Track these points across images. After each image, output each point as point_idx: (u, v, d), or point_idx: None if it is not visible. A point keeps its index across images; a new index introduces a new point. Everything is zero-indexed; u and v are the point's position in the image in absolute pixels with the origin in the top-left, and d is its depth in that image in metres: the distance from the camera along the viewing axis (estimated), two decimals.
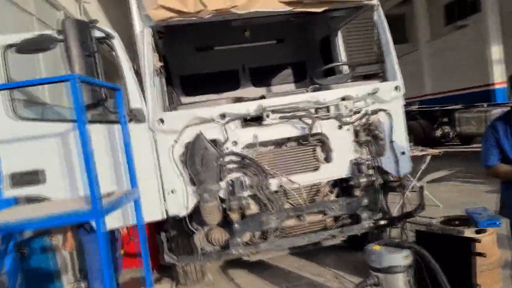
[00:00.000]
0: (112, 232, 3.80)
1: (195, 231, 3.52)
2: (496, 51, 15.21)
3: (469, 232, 3.41)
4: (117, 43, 3.34)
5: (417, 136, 11.40)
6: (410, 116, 12.20)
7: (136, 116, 3.32)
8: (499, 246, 3.53)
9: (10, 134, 3.12)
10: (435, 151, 6.40)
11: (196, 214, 3.45)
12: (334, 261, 4.62)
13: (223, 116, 3.36)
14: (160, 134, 3.32)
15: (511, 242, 2.98)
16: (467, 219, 3.73)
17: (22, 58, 3.47)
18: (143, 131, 3.32)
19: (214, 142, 3.35)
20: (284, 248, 3.63)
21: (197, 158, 3.27)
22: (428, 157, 6.36)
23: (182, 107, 3.51)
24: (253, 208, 3.49)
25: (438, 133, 11.70)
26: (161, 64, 3.61)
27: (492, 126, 2.83)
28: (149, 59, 3.41)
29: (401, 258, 2.82)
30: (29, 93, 4.05)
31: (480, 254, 3.13)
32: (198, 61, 5.57)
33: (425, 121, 11.77)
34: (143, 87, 3.36)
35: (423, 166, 6.34)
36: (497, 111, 9.13)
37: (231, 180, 3.36)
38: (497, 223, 3.39)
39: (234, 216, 3.41)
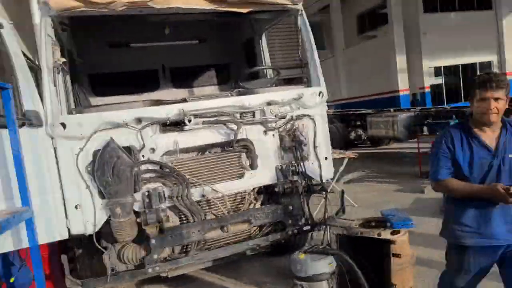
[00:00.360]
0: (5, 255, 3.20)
1: (104, 250, 3.11)
2: (401, 61, 16.75)
3: (385, 234, 3.55)
4: (6, 33, 2.81)
5: (334, 139, 11.96)
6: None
7: (31, 120, 2.82)
8: (412, 244, 3.74)
9: None
10: (352, 154, 6.70)
11: (106, 230, 3.06)
12: (258, 269, 4.51)
13: (138, 120, 3.03)
14: (62, 141, 2.87)
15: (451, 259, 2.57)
16: (383, 220, 3.88)
17: None
18: (40, 137, 2.84)
19: (128, 149, 2.99)
20: (207, 261, 3.40)
21: (108, 168, 2.89)
22: (346, 160, 6.62)
23: (90, 110, 3.09)
24: (173, 221, 3.21)
25: (352, 135, 12.41)
26: (63, 59, 3.14)
27: (447, 134, 2.35)
28: (48, 54, 2.94)
29: (326, 265, 2.80)
30: None
31: (396, 255, 3.25)
32: (111, 58, 5.06)
33: (340, 124, 12.41)
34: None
35: (341, 169, 6.59)
36: (402, 116, 9.93)
37: (148, 191, 3.04)
38: (409, 223, 3.57)
39: (151, 230, 3.09)
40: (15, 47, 2.83)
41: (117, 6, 2.94)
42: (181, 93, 5.35)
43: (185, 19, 3.72)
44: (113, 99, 4.87)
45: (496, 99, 2.17)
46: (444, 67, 17.04)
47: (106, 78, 5.09)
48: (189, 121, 3.09)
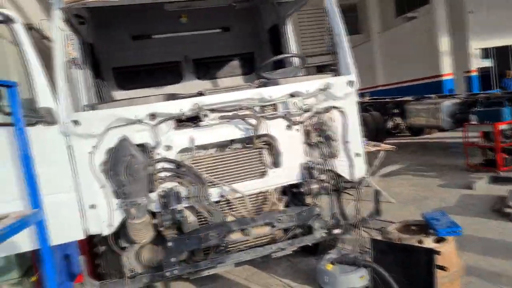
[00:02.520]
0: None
1: (120, 251, 3.00)
2: (444, 43, 15.66)
3: (428, 242, 3.18)
4: (19, 29, 2.71)
5: (369, 128, 11.41)
6: (362, 107, 12.22)
7: (45, 117, 2.72)
8: (458, 250, 3.34)
9: None
10: (389, 146, 6.25)
11: (125, 230, 2.94)
12: (286, 270, 4.28)
13: (152, 116, 2.85)
14: (76, 139, 2.75)
15: None
16: (425, 224, 3.52)
17: None
18: (55, 135, 2.73)
19: (142, 147, 2.83)
20: (227, 264, 3.21)
21: (122, 167, 2.74)
22: (382, 153, 6.19)
23: (103, 106, 2.95)
24: (191, 222, 3.04)
25: (390, 124, 11.78)
26: (75, 54, 3.01)
27: None
28: (60, 48, 2.82)
29: (357, 279, 2.51)
30: None
31: (441, 268, 2.89)
32: (134, 51, 4.96)
33: (376, 112, 11.80)
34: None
35: (377, 162, 6.17)
36: (446, 103, 9.22)
37: (164, 191, 2.88)
38: (458, 230, 3.18)
39: (168, 232, 2.94)
40: (27, 42, 2.73)
41: None
42: (205, 84, 5.17)
43: (202, 5, 3.48)
44: (137, 92, 4.77)
45: None
46: (493, 48, 15.75)
47: (130, 71, 5.00)
48: (205, 116, 2.88)
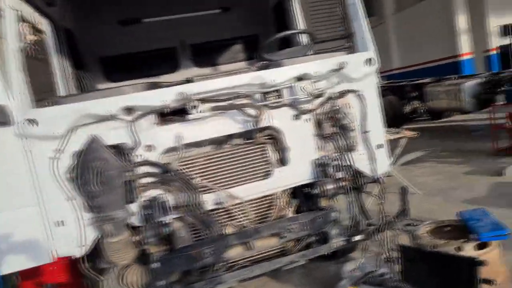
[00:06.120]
0: None
1: (98, 276, 2.51)
2: (462, 21, 14.75)
3: (468, 249, 2.63)
4: None
5: (387, 114, 10.73)
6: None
7: None
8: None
9: None
10: (412, 133, 5.63)
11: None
12: (301, 279, 3.78)
13: (129, 110, 2.33)
14: (35, 141, 2.25)
15: None
16: (461, 225, 2.96)
17: None
18: (10, 137, 2.24)
19: (118, 148, 2.32)
20: (229, 284, 2.70)
21: (93, 174, 2.23)
22: (404, 140, 5.59)
23: (66, 100, 2.44)
24: (183, 236, 2.53)
25: (408, 109, 11.07)
26: (34, 38, 2.49)
27: None
28: (11, 31, 2.30)
29: None
30: None
31: (488, 282, 2.34)
32: (123, 37, 4.42)
33: (393, 97, 11.08)
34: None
35: (398, 151, 5.58)
36: (469, 84, 8.51)
37: (147, 201, 2.37)
38: (505, 234, 2.62)
39: (155, 249, 2.44)
40: None
41: None
42: (205, 72, 4.63)
43: None
44: (129, 83, 4.27)
45: None
46: None
47: (119, 61, 4.48)
48: (194, 107, 2.34)
